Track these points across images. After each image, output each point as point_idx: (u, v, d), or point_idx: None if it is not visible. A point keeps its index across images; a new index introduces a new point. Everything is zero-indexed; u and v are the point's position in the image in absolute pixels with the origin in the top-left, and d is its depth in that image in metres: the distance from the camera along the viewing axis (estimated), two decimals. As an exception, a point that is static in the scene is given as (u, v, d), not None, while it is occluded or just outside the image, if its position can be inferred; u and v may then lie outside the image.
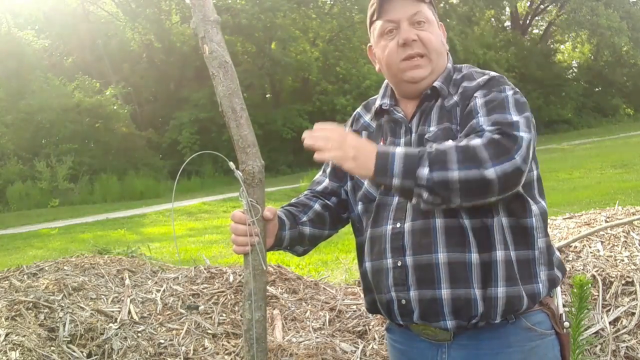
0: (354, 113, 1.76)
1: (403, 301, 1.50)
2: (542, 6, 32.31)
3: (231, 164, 1.50)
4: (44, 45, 22.45)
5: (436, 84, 1.55)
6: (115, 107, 20.00)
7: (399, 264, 1.49)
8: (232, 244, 1.51)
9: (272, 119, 22.29)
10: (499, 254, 1.45)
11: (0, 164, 17.26)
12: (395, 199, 1.53)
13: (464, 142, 1.32)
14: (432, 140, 1.48)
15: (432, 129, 1.51)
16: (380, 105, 1.64)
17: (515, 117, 1.36)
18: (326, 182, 1.73)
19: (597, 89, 32.32)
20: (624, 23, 27.09)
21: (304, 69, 23.03)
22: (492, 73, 1.54)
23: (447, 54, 1.62)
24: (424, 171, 1.29)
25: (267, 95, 25.54)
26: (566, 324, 1.53)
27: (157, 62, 22.82)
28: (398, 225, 1.51)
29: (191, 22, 1.52)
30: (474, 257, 1.44)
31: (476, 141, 1.31)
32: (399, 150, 1.34)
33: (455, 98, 1.53)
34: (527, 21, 32.57)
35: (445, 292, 1.45)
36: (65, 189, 16.62)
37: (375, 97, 1.72)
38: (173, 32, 22.99)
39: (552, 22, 31.88)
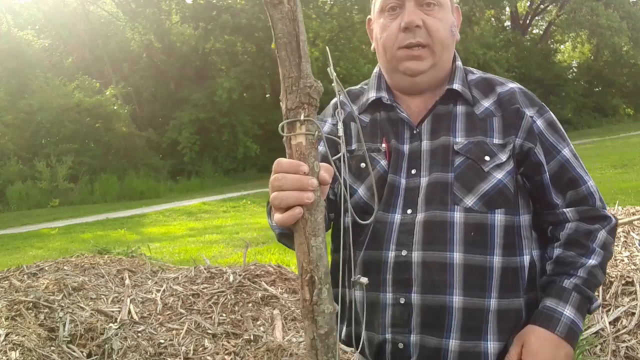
0: (333, 102, 1.44)
1: (400, 345, 1.26)
2: (542, 6, 32.28)
3: (330, 69, 1.07)
4: (44, 45, 22.45)
5: (457, 86, 1.33)
6: (115, 107, 19.99)
7: (402, 301, 1.25)
8: (276, 209, 0.96)
9: (272, 119, 22.25)
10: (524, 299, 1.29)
11: (0, 164, 17.23)
12: (398, 218, 1.29)
13: (594, 246, 1.31)
14: (464, 153, 1.28)
15: (460, 140, 1.30)
16: (380, 98, 1.38)
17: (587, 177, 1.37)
18: None
19: (597, 89, 32.29)
20: (624, 23, 27.02)
21: (304, 69, 22.99)
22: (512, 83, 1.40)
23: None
24: (594, 305, 1.31)
25: (267, 95, 25.51)
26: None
27: (157, 62, 22.78)
28: (404, 253, 1.26)
29: None
30: (493, 302, 1.24)
31: (599, 241, 1.31)
32: (573, 316, 1.25)
33: (487, 105, 1.33)
34: (527, 21, 32.54)
35: (453, 343, 1.23)
36: (65, 189, 16.60)
37: (357, 87, 1.48)
38: (173, 32, 22.98)
39: (552, 22, 31.84)
